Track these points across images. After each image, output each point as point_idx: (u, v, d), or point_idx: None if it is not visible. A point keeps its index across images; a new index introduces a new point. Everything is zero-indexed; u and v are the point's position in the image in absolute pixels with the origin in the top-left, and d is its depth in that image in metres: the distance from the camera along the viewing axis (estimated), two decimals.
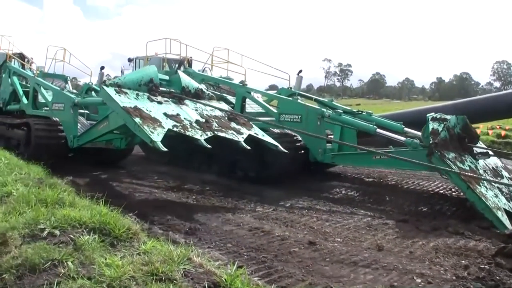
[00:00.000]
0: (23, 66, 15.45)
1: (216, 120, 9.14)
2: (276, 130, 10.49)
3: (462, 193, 8.06)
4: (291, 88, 13.48)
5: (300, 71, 15.05)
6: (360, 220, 7.38)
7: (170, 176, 10.99)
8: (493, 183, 8.51)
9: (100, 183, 10.21)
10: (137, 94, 8.97)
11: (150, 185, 10.04)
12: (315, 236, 6.35)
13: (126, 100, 8.48)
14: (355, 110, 11.92)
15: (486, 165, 9.05)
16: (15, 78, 13.97)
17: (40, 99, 12.76)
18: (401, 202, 8.76)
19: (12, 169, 8.04)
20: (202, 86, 11.35)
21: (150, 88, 9.39)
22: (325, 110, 10.70)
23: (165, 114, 8.48)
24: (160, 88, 9.63)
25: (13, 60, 15.22)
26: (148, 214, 7.08)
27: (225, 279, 3.55)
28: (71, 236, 4.31)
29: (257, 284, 4.05)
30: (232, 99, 12.93)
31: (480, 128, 25.10)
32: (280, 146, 9.22)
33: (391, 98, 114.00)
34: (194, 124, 8.56)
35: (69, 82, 15.31)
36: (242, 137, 8.88)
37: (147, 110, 8.31)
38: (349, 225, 7.02)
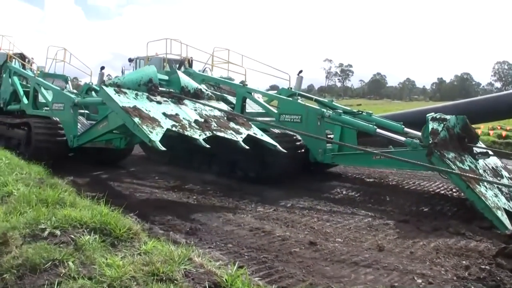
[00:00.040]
0: (23, 66, 15.47)
1: (215, 120, 9.16)
2: (276, 130, 10.48)
3: (463, 194, 8.06)
4: (291, 88, 13.48)
5: (300, 72, 15.06)
6: (361, 221, 7.38)
7: (170, 176, 10.99)
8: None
9: (101, 183, 10.22)
10: (137, 94, 9.00)
11: (151, 185, 10.04)
12: (316, 236, 6.35)
13: (125, 100, 8.51)
14: (355, 111, 11.93)
15: (486, 165, 9.05)
16: (15, 78, 13.99)
17: (41, 99, 12.79)
18: (402, 203, 8.75)
19: (13, 169, 8.05)
20: (202, 86, 11.37)
21: (150, 88, 9.41)
22: (325, 110, 10.70)
23: (164, 114, 8.51)
24: (160, 88, 9.65)
25: (13, 60, 15.23)
26: (149, 214, 7.08)
27: (225, 279, 3.55)
28: (72, 236, 4.31)
29: (258, 285, 4.04)
30: (232, 99, 12.95)
31: (481, 128, 25.10)
32: (278, 146, 9.25)
33: (392, 98, 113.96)
34: (193, 124, 8.58)
35: (69, 82, 15.31)
36: (241, 137, 8.90)
37: (146, 110, 8.34)
38: (350, 226, 7.01)
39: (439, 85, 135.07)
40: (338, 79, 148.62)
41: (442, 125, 8.78)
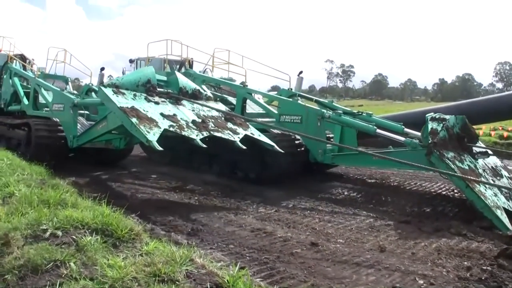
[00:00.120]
0: (24, 67, 15.51)
1: (213, 121, 9.21)
2: (276, 131, 10.49)
3: (464, 195, 8.06)
4: (291, 89, 13.51)
5: (301, 72, 15.06)
6: (362, 221, 7.37)
7: (171, 177, 11.01)
8: (493, 181, 8.56)
9: (102, 183, 10.23)
10: (135, 95, 9.05)
11: (152, 186, 10.05)
12: (317, 237, 6.35)
13: (123, 101, 8.57)
14: (355, 111, 11.97)
15: (486, 164, 9.07)
16: (16, 79, 14.08)
17: (41, 99, 12.87)
18: (404, 203, 8.75)
19: (15, 170, 8.07)
20: (203, 87, 11.40)
21: (148, 88, 9.46)
22: (325, 111, 10.72)
23: (161, 114, 8.56)
24: (158, 89, 9.71)
25: (14, 61, 15.27)
26: (151, 215, 7.10)
27: (227, 280, 3.55)
28: (74, 237, 4.32)
29: (259, 285, 4.04)
30: (233, 100, 13.00)
31: (483, 129, 25.07)
32: (276, 146, 9.30)
33: (394, 99, 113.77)
34: (191, 124, 8.63)
35: (69, 83, 15.40)
36: (238, 137, 8.96)
37: (144, 111, 8.40)
38: (351, 226, 7.01)
39: (440, 85, 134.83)
40: (340, 79, 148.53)
41: (441, 125, 8.81)
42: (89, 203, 5.80)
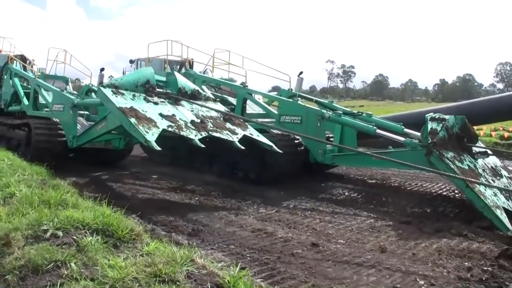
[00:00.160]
0: (24, 68, 15.54)
1: (212, 121, 9.25)
2: (276, 131, 10.50)
3: (465, 195, 8.07)
4: (291, 89, 13.52)
5: (301, 73, 15.06)
6: (363, 222, 7.37)
7: (172, 177, 11.01)
8: (492, 181, 8.57)
9: (103, 184, 10.23)
10: (134, 95, 9.10)
11: (153, 186, 10.05)
12: (318, 237, 6.34)
13: (122, 101, 8.61)
14: (355, 112, 11.99)
15: (485, 164, 9.08)
16: (16, 80, 14.12)
17: (41, 100, 12.90)
18: (404, 204, 8.74)
19: (15, 170, 8.08)
20: (203, 88, 11.42)
21: (147, 89, 9.51)
22: (325, 111, 10.73)
23: (160, 114, 8.62)
24: (157, 89, 9.75)
25: (14, 62, 15.30)
26: (151, 215, 7.10)
27: (228, 281, 3.55)
28: (74, 237, 4.32)
29: (260, 286, 4.05)
30: (233, 100, 13.02)
31: (484, 129, 25.08)
32: (274, 146, 9.34)
33: (394, 99, 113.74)
34: (189, 125, 8.69)
35: (70, 83, 15.45)
36: (237, 137, 9.01)
37: (143, 111, 8.45)
38: (352, 227, 7.01)
39: (441, 86, 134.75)
40: (340, 80, 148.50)
41: (441, 125, 8.84)
42: (90, 204, 5.80)
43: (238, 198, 8.87)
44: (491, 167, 9.19)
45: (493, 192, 7.83)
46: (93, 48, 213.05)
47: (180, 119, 8.75)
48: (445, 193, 9.98)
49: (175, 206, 8.19)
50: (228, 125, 9.43)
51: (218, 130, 8.94)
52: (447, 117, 9.18)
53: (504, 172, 9.43)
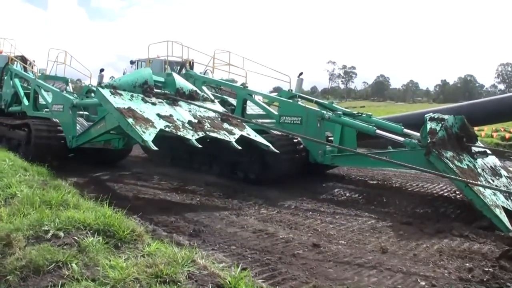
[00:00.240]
0: (25, 69, 15.59)
1: (209, 121, 9.30)
2: (276, 132, 10.52)
3: (464, 195, 8.10)
4: (291, 90, 13.55)
5: (301, 74, 15.07)
6: (364, 223, 7.37)
7: (173, 178, 11.02)
8: (492, 180, 8.59)
9: (104, 184, 10.24)
10: (132, 96, 9.15)
11: (154, 187, 10.06)
12: (319, 238, 6.34)
13: (120, 101, 8.67)
14: (355, 112, 12.04)
15: (485, 164, 9.11)
16: (16, 80, 14.18)
17: (41, 100, 12.96)
18: (405, 205, 8.75)
19: (17, 171, 8.09)
20: (204, 88, 11.44)
21: (145, 89, 9.56)
22: (325, 112, 10.75)
23: (158, 114, 8.67)
24: (155, 90, 9.79)
25: (15, 62, 15.34)
26: (153, 216, 7.10)
27: (229, 281, 3.55)
28: (75, 238, 4.32)
29: (261, 287, 4.05)
30: (233, 101, 13.04)
31: (485, 130, 25.09)
32: (271, 146, 9.40)
33: (396, 100, 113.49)
34: (187, 125, 8.74)
35: (70, 84, 15.52)
36: (234, 138, 9.06)
37: (140, 111, 8.51)
38: (353, 228, 7.01)
39: (442, 87, 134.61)
40: (342, 81, 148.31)
41: (440, 125, 8.87)
42: (91, 204, 5.81)
43: (239, 198, 8.88)
44: (491, 166, 9.22)
45: (493, 192, 7.85)
46: (94, 49, 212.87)
47: (177, 119, 8.82)
48: (446, 194, 9.98)
49: (176, 206, 8.19)
50: (226, 125, 9.49)
51: (215, 130, 9.00)
52: (446, 117, 9.21)
53: (503, 172, 9.47)
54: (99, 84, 12.35)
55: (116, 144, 12.05)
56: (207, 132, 8.77)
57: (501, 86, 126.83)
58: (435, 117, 9.11)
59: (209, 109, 9.83)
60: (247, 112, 12.49)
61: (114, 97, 8.78)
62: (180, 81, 10.60)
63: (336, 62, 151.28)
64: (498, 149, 16.58)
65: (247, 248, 5.75)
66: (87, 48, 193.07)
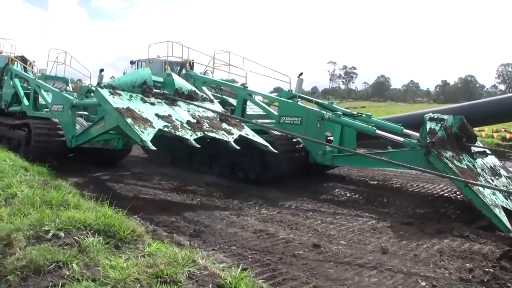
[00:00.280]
0: (25, 69, 15.62)
1: (208, 121, 9.33)
2: (276, 132, 10.53)
3: (464, 194, 8.11)
4: (291, 90, 13.57)
5: (301, 74, 15.10)
6: (365, 223, 7.37)
7: (173, 178, 11.02)
8: (491, 180, 8.60)
9: (105, 184, 10.24)
10: (131, 96, 9.17)
11: (154, 187, 10.06)
12: (320, 238, 6.34)
13: (119, 101, 8.70)
14: (354, 113, 12.06)
15: (484, 164, 9.13)
16: (16, 80, 14.20)
17: (41, 100, 12.99)
18: (406, 205, 8.75)
19: (17, 171, 8.09)
20: (203, 89, 11.47)
21: (144, 89, 9.58)
22: (325, 112, 10.76)
23: (156, 114, 8.70)
24: (154, 90, 9.80)
25: (15, 63, 15.38)
26: (153, 216, 7.10)
27: (229, 282, 3.55)
28: (76, 238, 4.32)
29: (262, 287, 4.05)
30: (233, 101, 13.06)
31: (485, 131, 25.09)
32: (270, 147, 9.42)
33: (396, 100, 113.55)
34: (185, 125, 8.76)
35: (69, 84, 15.57)
36: (232, 137, 9.09)
37: (139, 111, 8.53)
38: (353, 228, 7.01)
39: (443, 87, 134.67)
40: (342, 81, 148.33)
41: (439, 125, 8.89)
42: (92, 204, 5.80)
43: (240, 199, 8.88)
44: (490, 166, 9.25)
45: (492, 191, 7.86)
46: (95, 49, 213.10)
47: (176, 119, 8.84)
48: (446, 194, 9.98)
49: (177, 206, 8.19)
50: (224, 125, 9.51)
51: (213, 130, 9.03)
52: (445, 117, 9.24)
53: (503, 172, 9.49)
54: (99, 84, 12.37)
55: (116, 144, 12.11)
56: (206, 132, 8.80)
57: (502, 87, 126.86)
58: (435, 117, 9.13)
59: (208, 109, 9.85)
60: (247, 113, 12.51)
61: (113, 97, 8.80)
62: (179, 81, 10.62)
63: (336, 62, 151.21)
64: (498, 149, 16.56)
65: (247, 248, 5.75)
66: (87, 48, 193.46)
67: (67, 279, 3.55)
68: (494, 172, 9.14)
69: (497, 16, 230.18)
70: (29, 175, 7.91)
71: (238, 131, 9.42)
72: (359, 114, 11.66)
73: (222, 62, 15.14)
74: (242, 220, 7.31)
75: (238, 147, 8.94)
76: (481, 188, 7.59)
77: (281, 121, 11.23)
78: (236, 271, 3.80)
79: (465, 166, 8.37)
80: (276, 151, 9.45)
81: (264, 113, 12.09)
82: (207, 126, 9.07)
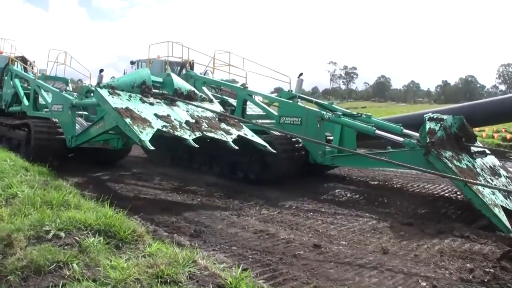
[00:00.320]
0: (25, 69, 15.66)
1: (206, 121, 9.36)
2: (276, 132, 10.53)
3: (463, 194, 8.12)
4: (291, 91, 13.58)
5: (301, 74, 15.11)
6: (365, 223, 7.37)
7: (173, 178, 11.02)
8: (491, 180, 8.61)
9: (105, 185, 10.25)
10: (130, 96, 9.21)
11: (155, 187, 10.06)
12: (320, 239, 6.34)
13: (118, 101, 8.73)
14: (354, 113, 12.08)
15: (484, 163, 9.14)
16: (17, 81, 14.25)
17: (41, 100, 13.02)
18: (406, 205, 8.75)
19: (18, 171, 8.09)
20: (203, 89, 11.49)
21: (143, 90, 9.62)
22: (324, 112, 10.77)
23: (155, 114, 8.73)
24: (153, 90, 9.83)
25: (15, 63, 15.41)
26: (153, 216, 7.10)
27: (230, 282, 3.55)
28: (76, 238, 4.32)
29: (262, 287, 4.05)
30: (233, 101, 13.07)
31: (486, 131, 25.08)
32: (268, 147, 9.44)
33: (397, 101, 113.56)
34: (184, 125, 8.79)
35: (69, 84, 15.63)
36: (231, 137, 9.12)
37: (138, 111, 8.56)
38: (354, 228, 7.00)
39: (443, 87, 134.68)
40: (343, 81, 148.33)
41: (439, 125, 8.90)
42: (92, 204, 5.80)
43: (240, 199, 8.88)
44: (490, 166, 9.26)
45: (492, 191, 7.87)
46: (95, 49, 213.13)
47: (175, 119, 8.87)
48: (447, 195, 9.98)
49: (177, 207, 8.19)
50: (223, 125, 9.55)
51: (212, 130, 9.06)
52: (445, 117, 9.26)
53: (502, 172, 9.50)
54: (98, 84, 12.39)
55: (115, 144, 12.16)
56: (204, 132, 8.83)
57: (502, 87, 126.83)
58: (434, 117, 9.16)
59: (207, 109, 9.87)
60: (247, 113, 12.52)
61: (112, 97, 8.83)
62: (178, 82, 10.65)
63: (337, 62, 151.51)
64: (497, 149, 16.56)
65: (248, 248, 5.75)
66: (88, 49, 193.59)
67: (67, 279, 3.55)
68: (494, 172, 9.15)
69: (497, 17, 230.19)
70: (29, 175, 7.92)
71: (236, 131, 9.45)
72: (359, 115, 11.68)
73: (222, 62, 15.16)
74: (242, 220, 7.31)
75: (236, 147, 8.97)
76: (480, 188, 7.60)
77: (281, 121, 11.23)
78: (237, 271, 3.81)
79: (465, 166, 8.39)
80: (275, 151, 9.47)
81: (264, 114, 12.10)
82: (206, 126, 9.10)
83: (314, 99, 14.40)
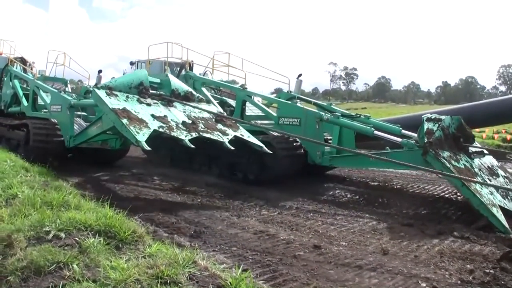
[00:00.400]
0: (24, 70, 15.70)
1: (203, 122, 9.41)
2: (275, 133, 10.54)
3: (461, 194, 8.13)
4: (290, 91, 13.59)
5: (300, 75, 15.12)
6: (365, 224, 7.37)
7: (173, 178, 11.02)
8: (489, 180, 8.64)
9: (105, 185, 10.25)
10: (127, 97, 9.26)
11: (155, 188, 10.06)
12: (320, 239, 6.33)
13: (115, 102, 8.78)
14: (353, 114, 12.10)
15: (482, 164, 9.16)
16: (16, 81, 14.28)
17: (40, 101, 13.06)
18: (406, 206, 8.75)
19: (18, 171, 8.10)
20: (202, 90, 11.52)
21: (140, 90, 9.67)
22: (323, 113, 10.79)
23: (152, 115, 8.78)
24: (150, 91, 9.88)
25: (15, 64, 15.45)
26: (154, 217, 7.10)
27: (230, 283, 3.55)
28: (77, 238, 4.32)
29: None
30: (232, 102, 13.09)
31: (486, 132, 25.07)
32: (264, 147, 9.48)
33: (397, 102, 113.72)
34: (180, 125, 8.86)
35: (68, 85, 15.69)
36: (227, 138, 9.17)
37: (135, 112, 8.62)
38: (354, 229, 7.00)
39: (443, 88, 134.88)
40: (343, 82, 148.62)
41: (437, 125, 8.92)
42: (92, 205, 5.81)
43: (240, 199, 8.88)
44: (488, 166, 9.29)
45: (490, 191, 7.89)
46: (95, 50, 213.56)
47: (171, 120, 8.93)
48: (447, 196, 9.99)
49: (177, 207, 8.19)
50: (219, 126, 9.60)
51: (208, 131, 9.11)
52: (443, 117, 9.29)
53: (500, 172, 9.52)
54: (96, 85, 12.43)
55: (113, 144, 12.24)
56: (201, 133, 8.88)
57: (502, 88, 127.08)
58: (432, 117, 9.18)
59: (204, 110, 9.90)
60: (246, 114, 12.51)
61: (110, 98, 8.88)
62: (176, 82, 10.71)
63: (337, 63, 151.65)
64: (497, 149, 16.57)
65: (248, 249, 5.75)
66: (88, 49, 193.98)
67: (67, 279, 3.55)
68: (492, 172, 9.17)
69: (497, 17, 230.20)
70: (29, 176, 7.93)
71: (233, 132, 9.50)
72: (358, 115, 11.71)
73: (222, 63, 15.17)
74: (242, 221, 7.30)
75: (232, 148, 9.02)
76: (478, 188, 7.61)
77: (280, 122, 11.23)
78: (237, 272, 3.81)
79: (463, 166, 8.41)
80: (271, 152, 9.51)
81: (263, 114, 12.12)
82: (202, 126, 9.15)
83: (313, 100, 14.42)
